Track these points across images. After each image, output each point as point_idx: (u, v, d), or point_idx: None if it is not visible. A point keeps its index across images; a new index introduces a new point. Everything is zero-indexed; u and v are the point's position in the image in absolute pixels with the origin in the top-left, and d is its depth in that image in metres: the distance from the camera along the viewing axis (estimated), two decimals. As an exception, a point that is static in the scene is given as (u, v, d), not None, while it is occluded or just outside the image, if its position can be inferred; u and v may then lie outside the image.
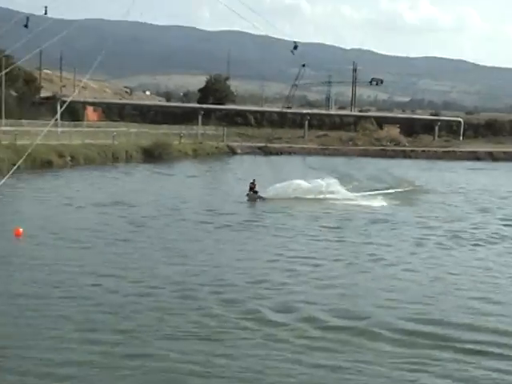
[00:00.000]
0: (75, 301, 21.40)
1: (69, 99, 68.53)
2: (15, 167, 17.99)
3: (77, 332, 18.37)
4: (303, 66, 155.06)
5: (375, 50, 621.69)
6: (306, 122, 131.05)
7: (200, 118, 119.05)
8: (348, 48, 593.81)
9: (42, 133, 69.64)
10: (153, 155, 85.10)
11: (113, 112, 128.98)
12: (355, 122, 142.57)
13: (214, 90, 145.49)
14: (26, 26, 20.06)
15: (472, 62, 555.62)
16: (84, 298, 21.59)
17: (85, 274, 25.19)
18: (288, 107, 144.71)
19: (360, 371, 16.53)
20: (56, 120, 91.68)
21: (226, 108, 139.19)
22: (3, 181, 14.77)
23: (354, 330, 19.55)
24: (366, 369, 16.74)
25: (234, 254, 29.85)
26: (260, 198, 48.03)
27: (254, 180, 49.29)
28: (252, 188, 48.88)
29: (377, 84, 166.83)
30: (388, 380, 16.16)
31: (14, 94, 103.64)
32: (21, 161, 29.57)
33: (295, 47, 16.38)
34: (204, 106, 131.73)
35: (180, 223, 37.74)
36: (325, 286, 24.42)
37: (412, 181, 67.51)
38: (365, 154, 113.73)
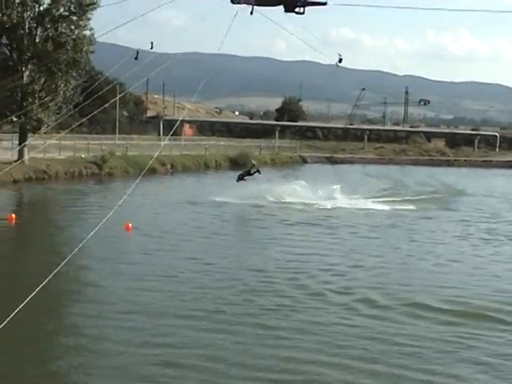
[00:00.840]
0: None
1: (175, 118, 69.43)
2: (141, 175, 18.49)
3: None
4: (363, 89, 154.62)
5: (425, 76, 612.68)
6: (366, 136, 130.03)
7: (277, 133, 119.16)
8: (401, 74, 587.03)
9: (148, 145, 70.99)
10: (238, 164, 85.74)
11: (205, 128, 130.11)
12: (407, 136, 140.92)
13: (288, 110, 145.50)
14: (136, 58, 20.50)
15: (506, 85, 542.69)
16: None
17: (181, 259, 25.67)
18: (350, 124, 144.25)
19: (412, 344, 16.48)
20: (159, 135, 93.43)
21: (299, 125, 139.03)
22: (132, 187, 15.18)
23: (408, 310, 19.56)
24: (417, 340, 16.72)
25: (298, 244, 30.03)
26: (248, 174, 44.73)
27: (253, 163, 46.95)
28: (249, 171, 45.21)
29: (425, 104, 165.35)
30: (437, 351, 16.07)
31: (125, 114, 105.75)
32: (145, 170, 29.98)
33: (340, 60, 16.45)
34: (280, 123, 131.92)
35: (263, 218, 38.13)
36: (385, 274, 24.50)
37: (454, 185, 66.53)
38: (415, 162, 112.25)
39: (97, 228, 13.01)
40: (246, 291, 20.82)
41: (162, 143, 68.96)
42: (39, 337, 16.09)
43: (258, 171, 44.84)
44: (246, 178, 44.24)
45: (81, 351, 15.16)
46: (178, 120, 49.87)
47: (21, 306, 9.92)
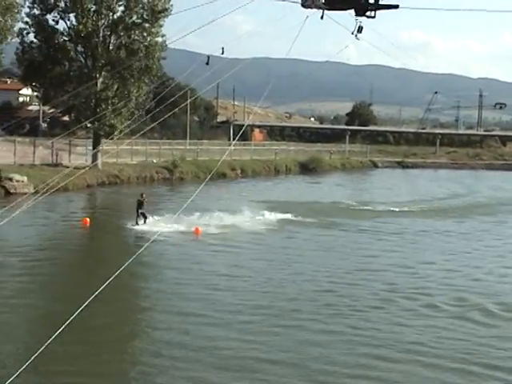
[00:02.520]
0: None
1: (242, 123, 69.84)
2: (207, 178, 18.84)
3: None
4: (435, 93, 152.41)
5: (500, 79, 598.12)
6: (438, 141, 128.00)
7: (347, 137, 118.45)
8: (475, 77, 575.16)
9: (218, 150, 71.63)
10: (308, 168, 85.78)
11: (275, 133, 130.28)
12: (481, 140, 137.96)
13: (359, 114, 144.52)
14: (207, 63, 20.74)
15: None
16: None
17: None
18: (422, 128, 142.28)
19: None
20: (229, 140, 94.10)
21: (369, 129, 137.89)
22: (199, 188, 15.72)
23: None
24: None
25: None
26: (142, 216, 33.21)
27: (142, 194, 34.40)
28: (141, 203, 33.49)
29: (500, 108, 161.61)
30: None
31: (196, 119, 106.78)
32: (213, 172, 30.51)
33: (359, 29, 16.14)
34: (351, 127, 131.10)
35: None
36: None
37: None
38: (489, 167, 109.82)
39: (163, 229, 13.29)
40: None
41: (230, 148, 69.38)
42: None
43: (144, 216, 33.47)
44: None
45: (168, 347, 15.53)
46: (247, 125, 50.21)
47: (96, 293, 10.26)
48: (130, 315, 19.07)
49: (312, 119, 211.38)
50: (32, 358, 9.10)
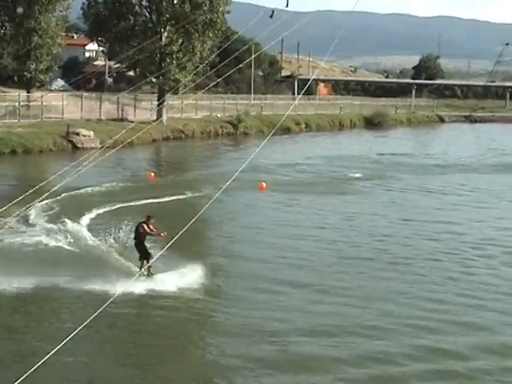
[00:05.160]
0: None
1: (308, 77, 69.30)
2: (272, 132, 18.81)
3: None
4: (506, 44, 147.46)
5: None
6: (508, 94, 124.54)
7: (413, 91, 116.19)
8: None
9: (282, 105, 71.41)
10: (372, 123, 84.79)
11: (340, 87, 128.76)
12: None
13: (425, 68, 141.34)
14: (271, 16, 20.56)
15: None
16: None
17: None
18: (492, 81, 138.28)
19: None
20: (293, 94, 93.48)
21: (436, 83, 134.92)
22: (264, 143, 15.66)
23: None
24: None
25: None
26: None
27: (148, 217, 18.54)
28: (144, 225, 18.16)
29: None
30: None
31: (260, 73, 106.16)
32: (277, 126, 30.50)
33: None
34: (417, 81, 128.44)
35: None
36: None
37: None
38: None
39: (232, 179, 13.39)
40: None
41: (295, 102, 68.82)
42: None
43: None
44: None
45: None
46: (312, 79, 49.79)
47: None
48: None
49: (385, 74, 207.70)
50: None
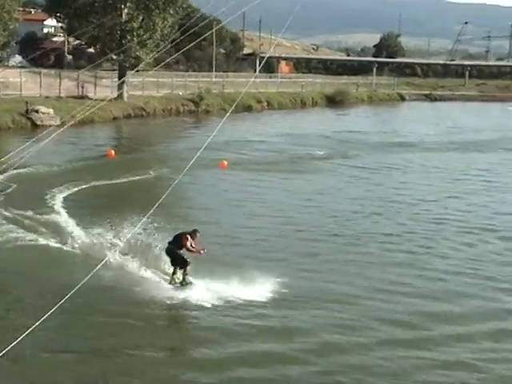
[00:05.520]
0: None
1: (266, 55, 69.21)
2: (231, 109, 18.44)
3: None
4: (465, 23, 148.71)
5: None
6: (467, 73, 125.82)
7: (374, 69, 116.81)
8: (507, 6, 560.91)
9: (244, 83, 71.13)
10: (334, 101, 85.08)
11: (301, 65, 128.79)
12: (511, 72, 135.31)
13: (386, 46, 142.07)
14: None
15: None
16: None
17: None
18: (451, 60, 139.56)
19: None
20: (255, 72, 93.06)
21: (397, 61, 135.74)
22: (224, 119, 15.39)
23: None
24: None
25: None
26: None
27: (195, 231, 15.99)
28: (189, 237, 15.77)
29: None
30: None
31: (222, 51, 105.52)
32: (236, 102, 30.23)
33: None
34: (378, 59, 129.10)
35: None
36: None
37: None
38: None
39: (194, 158, 13.24)
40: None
41: (254, 79, 68.66)
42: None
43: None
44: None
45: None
46: (273, 57, 49.64)
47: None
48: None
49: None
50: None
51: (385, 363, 11.97)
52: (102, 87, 60.03)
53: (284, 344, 12.57)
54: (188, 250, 15.36)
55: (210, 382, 11.18)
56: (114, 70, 62.35)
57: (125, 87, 56.88)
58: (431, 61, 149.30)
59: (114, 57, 56.06)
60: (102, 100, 40.22)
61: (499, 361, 12.28)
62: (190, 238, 15.37)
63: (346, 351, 12.45)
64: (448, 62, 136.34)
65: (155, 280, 15.59)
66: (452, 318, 14.13)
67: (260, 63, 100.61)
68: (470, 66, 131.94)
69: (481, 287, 16.19)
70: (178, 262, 15.43)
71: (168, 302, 14.45)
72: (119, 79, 56.86)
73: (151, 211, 12.81)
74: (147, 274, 15.88)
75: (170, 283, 15.38)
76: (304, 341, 12.75)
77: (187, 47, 22.37)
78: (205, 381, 11.21)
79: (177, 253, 15.38)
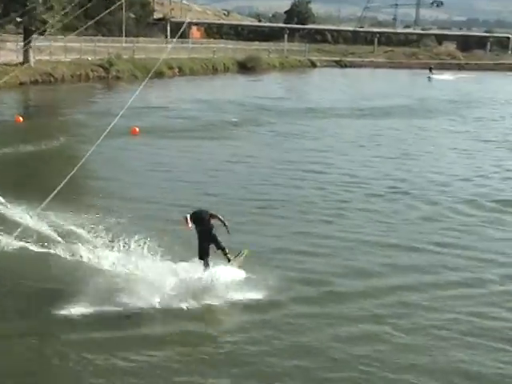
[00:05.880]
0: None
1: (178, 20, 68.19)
2: (148, 77, 17.88)
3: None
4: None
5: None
6: (376, 40, 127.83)
7: (286, 36, 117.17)
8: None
9: (155, 48, 70.12)
10: (246, 67, 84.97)
11: (213, 31, 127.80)
12: (418, 40, 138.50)
13: (297, 12, 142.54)
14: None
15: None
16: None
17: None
18: (360, 27, 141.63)
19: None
20: (166, 38, 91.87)
21: (308, 27, 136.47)
22: (141, 87, 14.91)
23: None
24: None
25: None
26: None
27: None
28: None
29: (437, 6, 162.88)
30: None
31: (132, 16, 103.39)
32: (152, 71, 29.62)
33: None
34: (289, 25, 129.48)
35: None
36: None
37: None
38: (425, 66, 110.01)
39: (111, 126, 12.94)
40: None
41: (170, 46, 67.67)
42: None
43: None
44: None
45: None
46: (185, 22, 49.12)
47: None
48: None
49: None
50: None
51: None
52: (7, 51, 57.96)
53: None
54: (217, 218, 13.68)
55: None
56: (19, 34, 60.14)
57: (31, 52, 55.06)
58: (341, 27, 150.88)
59: (18, 19, 54.01)
60: (7, 65, 38.98)
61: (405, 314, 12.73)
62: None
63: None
64: (357, 29, 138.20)
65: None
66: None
67: (170, 28, 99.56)
68: (378, 33, 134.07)
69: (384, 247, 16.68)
70: (217, 244, 13.69)
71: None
72: (24, 43, 54.89)
73: (69, 176, 12.30)
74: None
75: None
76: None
77: (101, 15, 21.41)
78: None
79: (211, 234, 13.65)
